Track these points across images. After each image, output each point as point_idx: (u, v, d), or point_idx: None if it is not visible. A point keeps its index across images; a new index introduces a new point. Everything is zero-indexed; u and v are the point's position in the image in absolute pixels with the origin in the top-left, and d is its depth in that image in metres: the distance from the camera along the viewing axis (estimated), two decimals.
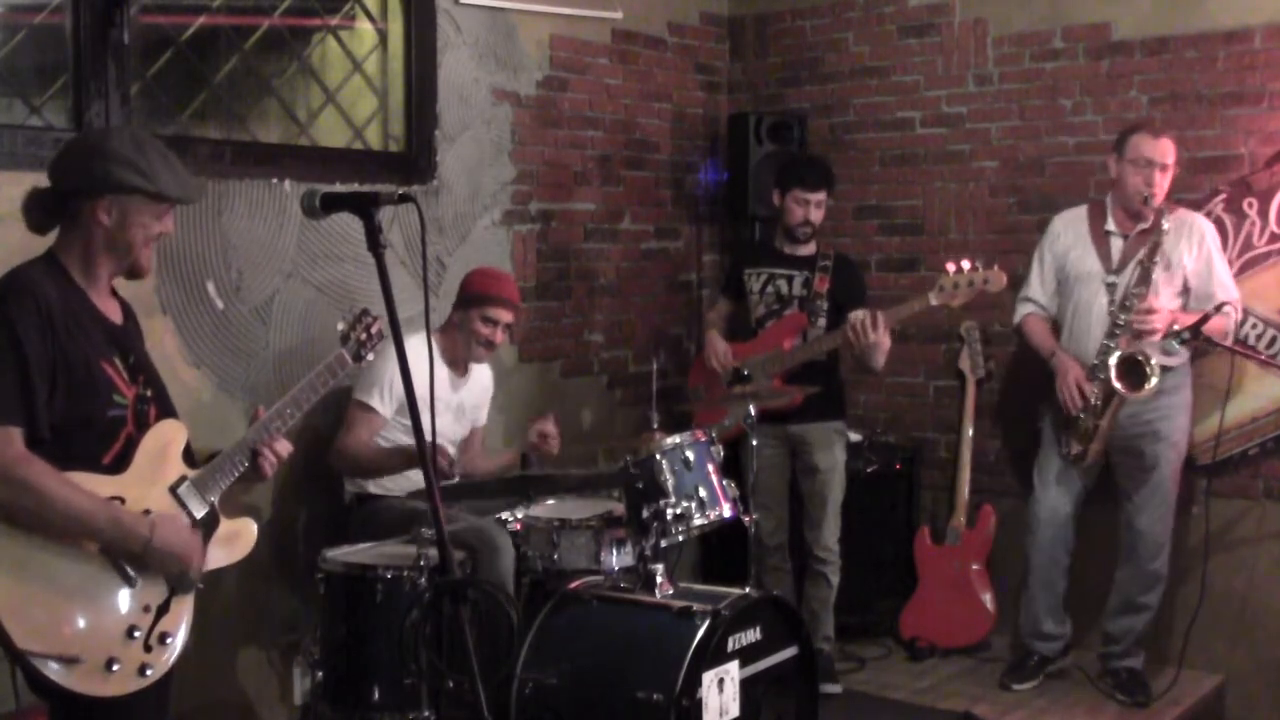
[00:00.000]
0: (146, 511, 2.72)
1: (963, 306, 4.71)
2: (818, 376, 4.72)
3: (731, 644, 3.64)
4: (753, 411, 4.33)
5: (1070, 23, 5.26)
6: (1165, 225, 4.40)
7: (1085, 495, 4.79)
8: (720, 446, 4.09)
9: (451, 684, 3.44)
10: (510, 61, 5.09)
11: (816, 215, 4.88)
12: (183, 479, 2.82)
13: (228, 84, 4.33)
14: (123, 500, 2.69)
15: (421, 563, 3.54)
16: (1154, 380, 4.34)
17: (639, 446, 4.03)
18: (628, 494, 3.92)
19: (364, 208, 2.61)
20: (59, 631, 2.59)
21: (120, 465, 2.73)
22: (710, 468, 3.98)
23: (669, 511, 3.81)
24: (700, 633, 3.54)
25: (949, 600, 5.26)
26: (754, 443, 4.42)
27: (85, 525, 2.63)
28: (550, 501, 4.24)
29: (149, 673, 2.70)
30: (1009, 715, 4.60)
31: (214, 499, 2.88)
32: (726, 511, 3.96)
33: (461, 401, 4.38)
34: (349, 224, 3.69)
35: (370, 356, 3.25)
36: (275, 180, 4.30)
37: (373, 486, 4.23)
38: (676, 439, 3.96)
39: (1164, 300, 4.48)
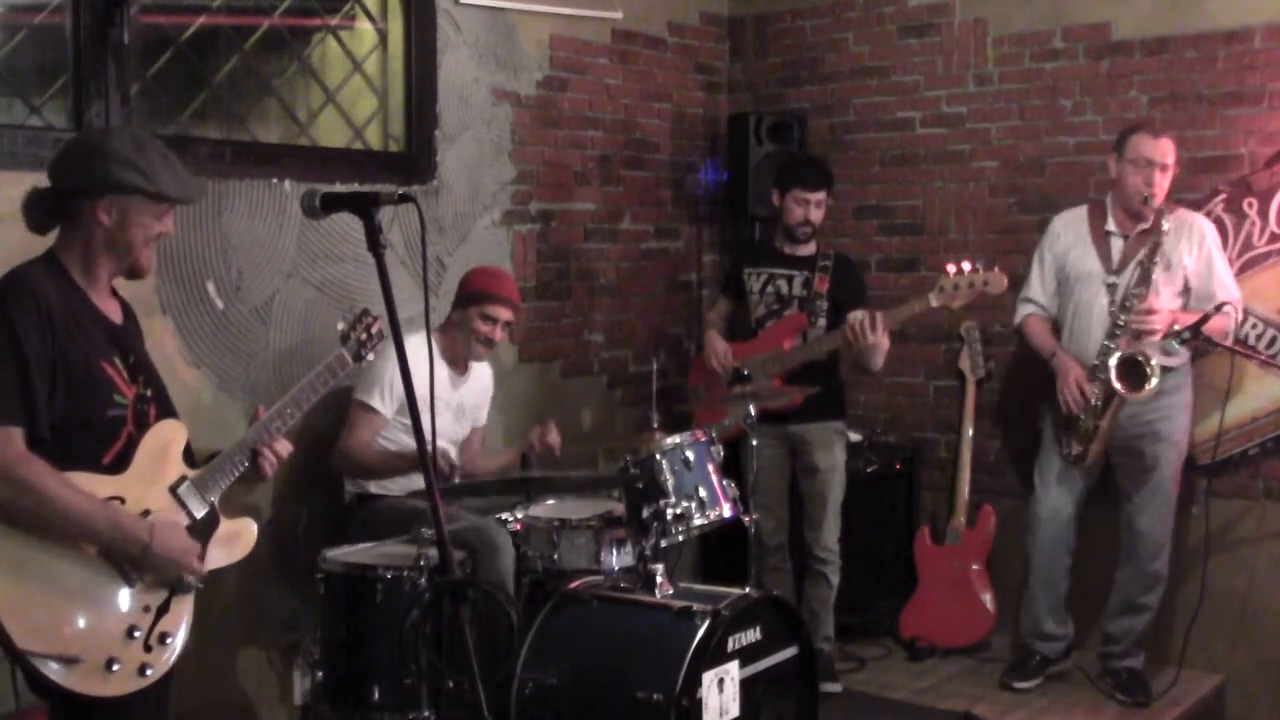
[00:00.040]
0: (146, 512, 2.72)
1: (963, 308, 4.71)
2: (818, 376, 4.72)
3: (731, 644, 3.64)
4: (753, 411, 4.33)
5: (1070, 23, 5.26)
6: (1165, 225, 4.40)
7: (1086, 495, 4.79)
8: (720, 446, 4.09)
9: (451, 684, 3.44)
10: (510, 61, 5.09)
11: (816, 215, 4.88)
12: (183, 479, 2.82)
13: (228, 84, 4.33)
14: (122, 500, 2.69)
15: (421, 563, 3.54)
16: (1154, 381, 4.34)
17: (639, 446, 4.03)
18: (628, 494, 3.92)
19: (364, 208, 2.61)
20: (59, 631, 2.59)
21: (120, 465, 2.73)
22: (710, 468, 3.98)
23: (669, 511, 3.81)
24: (700, 633, 3.55)
25: (949, 600, 5.26)
26: (754, 443, 4.42)
27: (84, 527, 2.63)
28: (550, 501, 4.24)
29: (149, 673, 2.70)
30: (1009, 715, 4.60)
31: (214, 499, 2.88)
32: (726, 511, 3.96)
33: (462, 401, 4.38)
34: (349, 224, 3.69)
35: (370, 356, 3.25)
36: (275, 180, 4.30)
37: (373, 486, 4.23)
38: (676, 439, 3.96)
39: (1164, 300, 4.48)
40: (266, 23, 4.43)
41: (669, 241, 5.85)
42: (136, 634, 2.68)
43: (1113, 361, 4.40)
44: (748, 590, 3.83)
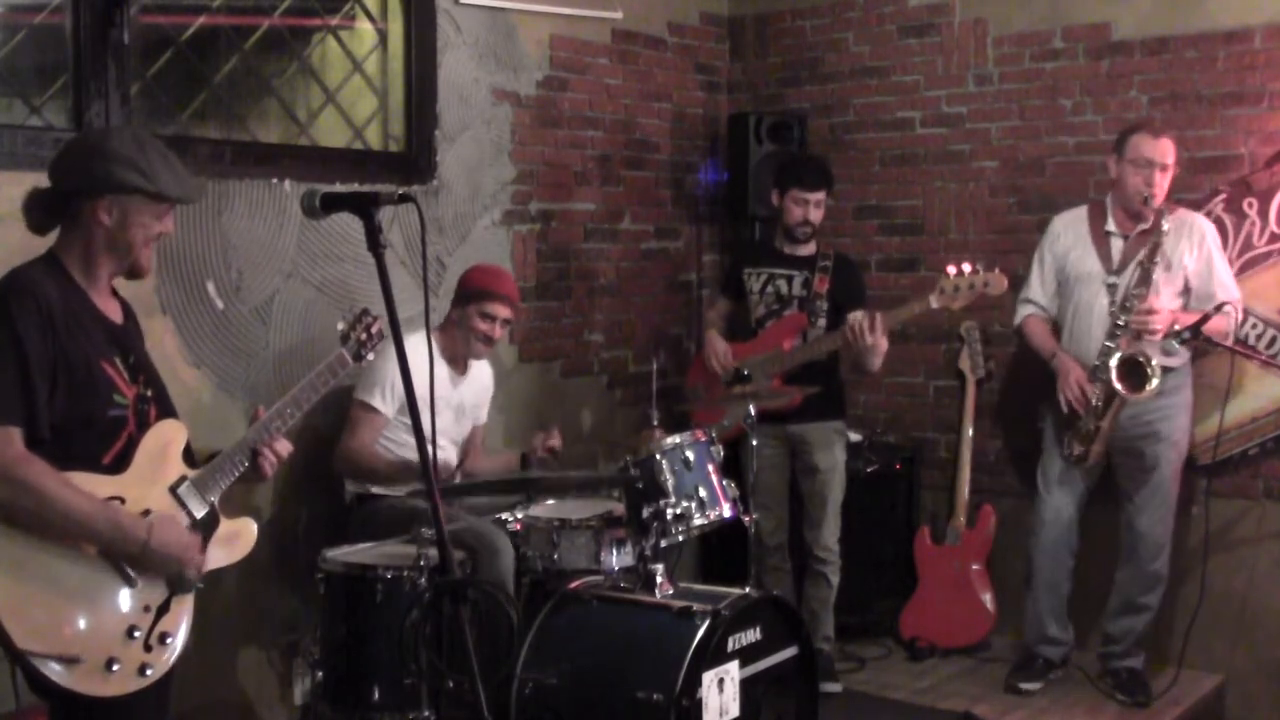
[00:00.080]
0: (146, 512, 2.72)
1: (963, 309, 4.71)
2: (817, 376, 4.72)
3: (731, 644, 3.64)
4: (752, 411, 4.33)
5: (1070, 23, 5.26)
6: (1165, 226, 4.40)
7: (1088, 497, 4.78)
8: (720, 446, 4.09)
9: (451, 684, 3.44)
10: (510, 61, 5.09)
11: (816, 215, 4.88)
12: (183, 479, 2.83)
13: (228, 84, 4.33)
14: (123, 500, 2.69)
15: (421, 563, 3.54)
16: (1155, 382, 4.34)
17: (639, 446, 4.02)
18: (628, 494, 3.92)
19: (364, 208, 2.61)
20: (59, 631, 2.59)
21: (120, 465, 2.73)
22: (710, 468, 3.98)
23: (669, 511, 3.81)
24: (700, 633, 3.55)
25: (949, 600, 5.26)
26: (754, 443, 4.42)
27: (83, 527, 2.63)
28: (550, 501, 4.24)
29: (149, 673, 2.70)
30: (1009, 715, 4.60)
31: (214, 499, 2.88)
32: (726, 511, 3.96)
33: (462, 399, 4.38)
34: (349, 224, 3.69)
35: (370, 356, 3.26)
36: (275, 180, 4.30)
37: (373, 486, 4.22)
38: (676, 439, 3.96)
39: (1165, 300, 4.48)
40: (266, 23, 4.43)
41: (669, 241, 5.85)
42: (136, 634, 2.68)
43: (1113, 362, 4.40)
44: (748, 590, 3.83)
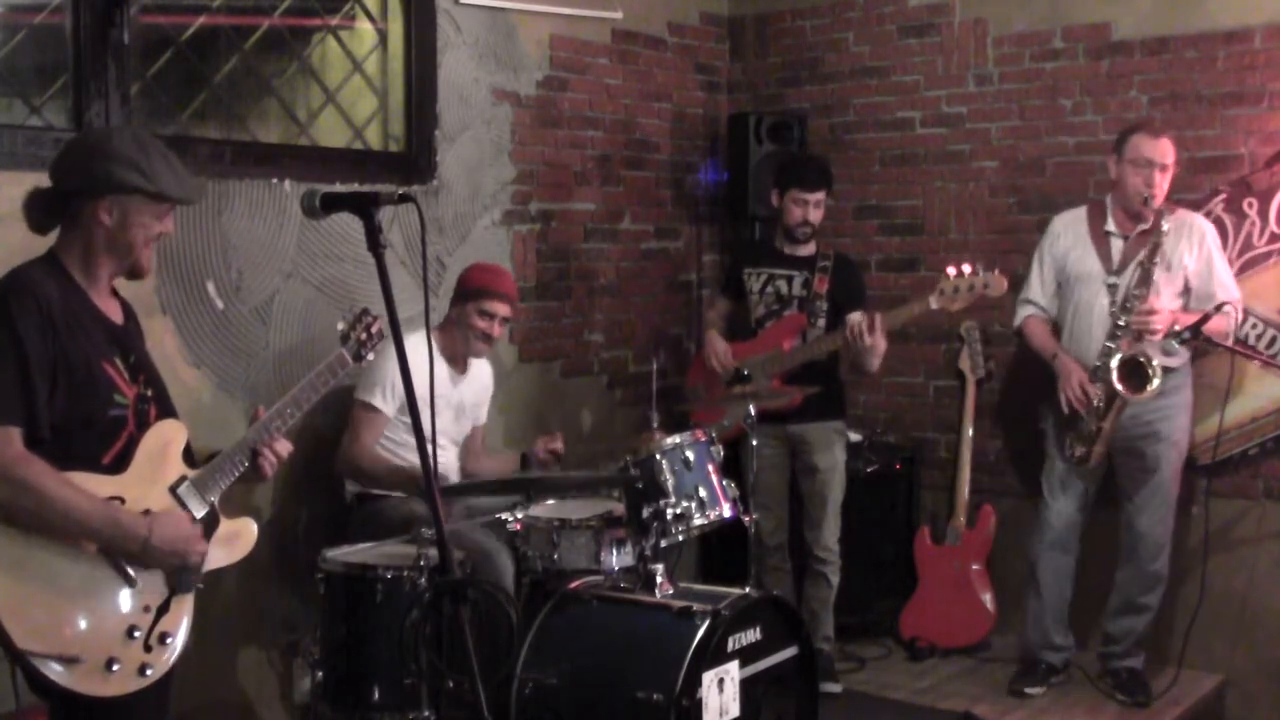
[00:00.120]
0: (146, 511, 2.72)
1: (962, 310, 4.71)
2: (817, 376, 4.72)
3: (731, 644, 3.64)
4: (752, 411, 4.33)
5: (1070, 23, 5.26)
6: (1165, 226, 4.40)
7: (1091, 499, 4.77)
8: (720, 446, 4.09)
9: (451, 684, 3.44)
10: (510, 61, 5.09)
11: (815, 215, 4.88)
12: (183, 479, 2.83)
13: (228, 84, 4.33)
14: (122, 500, 2.70)
15: (421, 563, 3.54)
16: (1156, 382, 4.34)
17: (639, 446, 4.02)
18: (628, 494, 3.92)
19: (364, 208, 2.62)
20: (59, 631, 2.59)
21: (120, 465, 2.73)
22: (710, 468, 3.98)
23: (669, 511, 3.81)
24: (700, 633, 3.54)
25: (949, 600, 5.26)
26: (754, 443, 4.42)
27: (83, 526, 2.63)
28: (550, 501, 4.24)
29: (149, 673, 2.70)
30: (1009, 715, 4.60)
31: (214, 499, 2.88)
32: (726, 511, 3.96)
33: (462, 399, 4.38)
34: (349, 224, 3.69)
35: (370, 356, 3.26)
36: (275, 180, 4.30)
37: (374, 488, 4.22)
38: (676, 439, 3.96)
39: (1165, 301, 4.48)
40: (266, 23, 4.43)
41: (669, 241, 5.85)
42: (136, 634, 2.68)
43: (1114, 363, 4.40)
44: (748, 590, 3.83)
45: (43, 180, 2.78)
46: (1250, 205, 4.85)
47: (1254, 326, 4.81)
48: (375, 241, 2.57)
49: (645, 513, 3.82)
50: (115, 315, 2.84)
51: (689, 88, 5.93)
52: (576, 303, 5.42)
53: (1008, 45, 5.42)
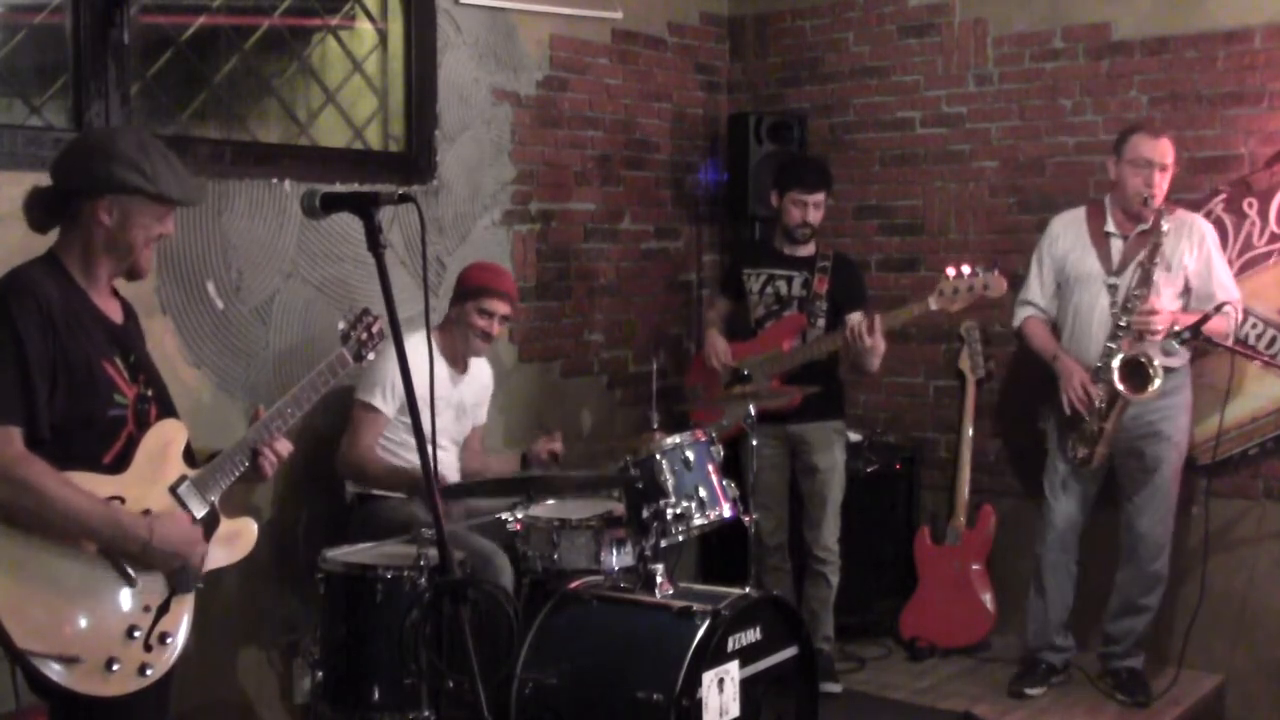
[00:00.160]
0: (146, 511, 2.72)
1: (961, 311, 4.71)
2: (817, 377, 4.72)
3: (731, 644, 3.64)
4: (752, 411, 4.33)
5: (1070, 23, 5.26)
6: (1165, 226, 4.40)
7: (1092, 501, 4.77)
8: (720, 446, 4.09)
9: (451, 684, 3.44)
10: (510, 61, 5.09)
11: (815, 216, 4.88)
12: (183, 478, 2.83)
13: (228, 84, 4.33)
14: (123, 500, 2.69)
15: (421, 563, 3.54)
16: (1157, 382, 4.33)
17: (639, 446, 4.02)
18: (628, 494, 3.92)
19: (364, 208, 2.62)
20: (59, 631, 2.59)
21: (121, 465, 2.73)
22: (710, 468, 3.98)
23: (669, 511, 3.81)
24: (700, 633, 3.55)
25: (949, 600, 5.26)
26: (754, 443, 4.42)
27: (84, 526, 2.63)
28: (550, 501, 4.24)
29: (149, 672, 2.70)
30: (1009, 715, 4.60)
31: (214, 499, 2.88)
32: (726, 511, 3.96)
33: (462, 399, 4.38)
34: (349, 224, 3.69)
35: (371, 356, 3.26)
36: (275, 180, 4.30)
37: (374, 489, 4.22)
38: (676, 439, 3.96)
39: (1165, 301, 4.48)
40: (266, 23, 4.43)
41: (669, 241, 5.85)
42: (137, 634, 2.68)
43: (1116, 363, 4.39)
44: (748, 590, 3.83)
45: (43, 180, 2.78)
46: (1250, 205, 4.85)
47: (1254, 326, 4.81)
48: (375, 241, 2.57)
49: (645, 513, 3.82)
50: (115, 315, 2.84)
51: (689, 88, 5.93)
52: (576, 303, 5.42)
53: (1008, 45, 5.42)
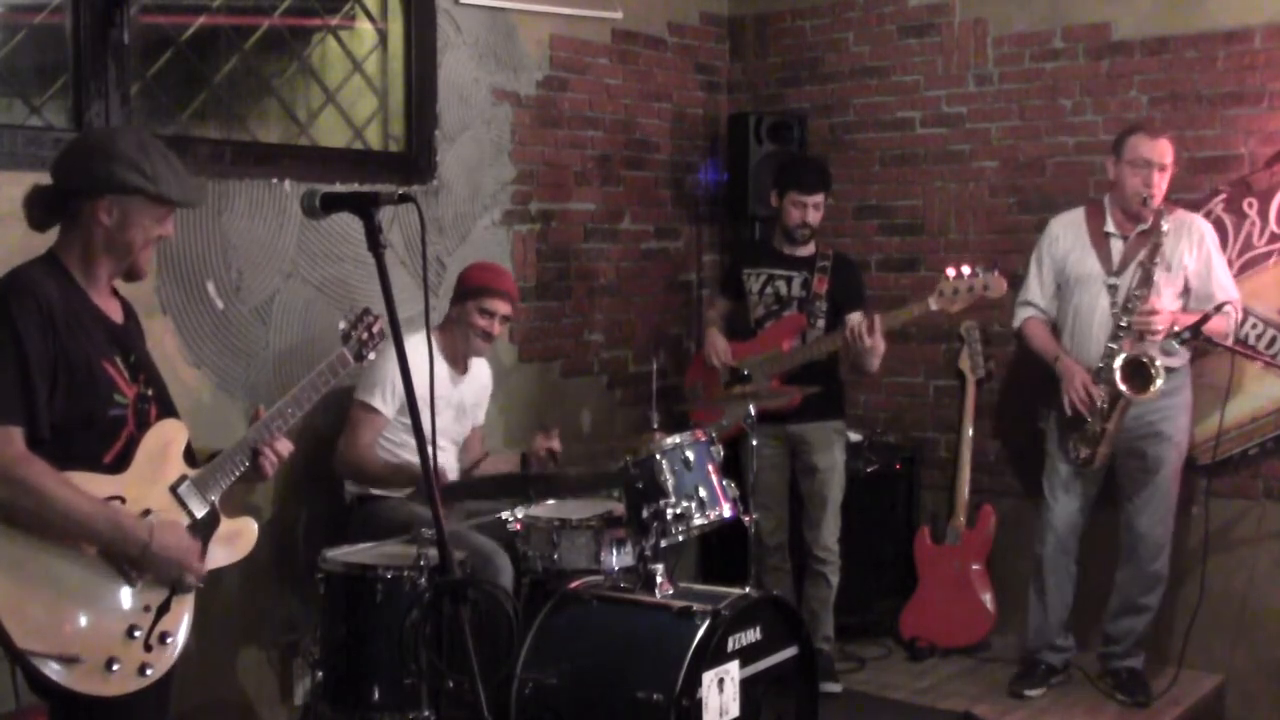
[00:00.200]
0: (147, 511, 2.72)
1: (961, 312, 4.71)
2: (817, 376, 4.72)
3: (731, 644, 3.64)
4: (752, 411, 4.34)
5: (1070, 23, 5.26)
6: (1165, 226, 4.40)
7: (1093, 501, 4.76)
8: (720, 446, 4.09)
9: (451, 684, 3.44)
10: (510, 61, 5.09)
11: (814, 217, 4.88)
12: (183, 478, 2.82)
13: (228, 84, 4.33)
14: (123, 500, 2.69)
15: (421, 563, 3.54)
16: (1159, 382, 4.33)
17: (639, 446, 4.03)
18: (628, 494, 3.92)
19: (364, 208, 2.61)
20: (59, 631, 2.59)
21: (121, 464, 2.72)
22: (710, 468, 3.98)
23: (669, 511, 3.81)
24: (700, 633, 3.55)
25: (949, 600, 5.26)
26: (754, 442, 4.42)
27: (84, 527, 2.62)
28: (550, 501, 4.24)
29: (149, 672, 2.70)
30: (1009, 715, 4.60)
31: (214, 498, 2.88)
32: (726, 511, 3.96)
33: (462, 399, 4.38)
34: (349, 224, 3.69)
35: (371, 356, 3.26)
36: (275, 180, 4.30)
37: (373, 487, 4.22)
38: (676, 439, 3.96)
39: (1166, 301, 4.47)
40: (266, 23, 4.43)
41: (669, 241, 5.85)
42: (137, 633, 2.68)
43: (1117, 363, 4.39)
44: (748, 590, 3.83)
45: (43, 180, 2.78)
46: (1250, 205, 4.85)
47: (1254, 326, 4.81)
48: (375, 241, 2.57)
49: (645, 513, 3.82)
50: (115, 315, 2.84)
51: (689, 88, 5.94)
52: (576, 303, 5.42)
53: (1008, 45, 5.42)
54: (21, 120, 3.81)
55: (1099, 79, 5.21)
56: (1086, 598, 4.89)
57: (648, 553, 3.81)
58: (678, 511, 3.83)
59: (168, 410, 2.87)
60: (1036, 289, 4.79)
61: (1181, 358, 4.53)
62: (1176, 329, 4.34)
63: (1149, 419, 4.56)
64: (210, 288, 4.14)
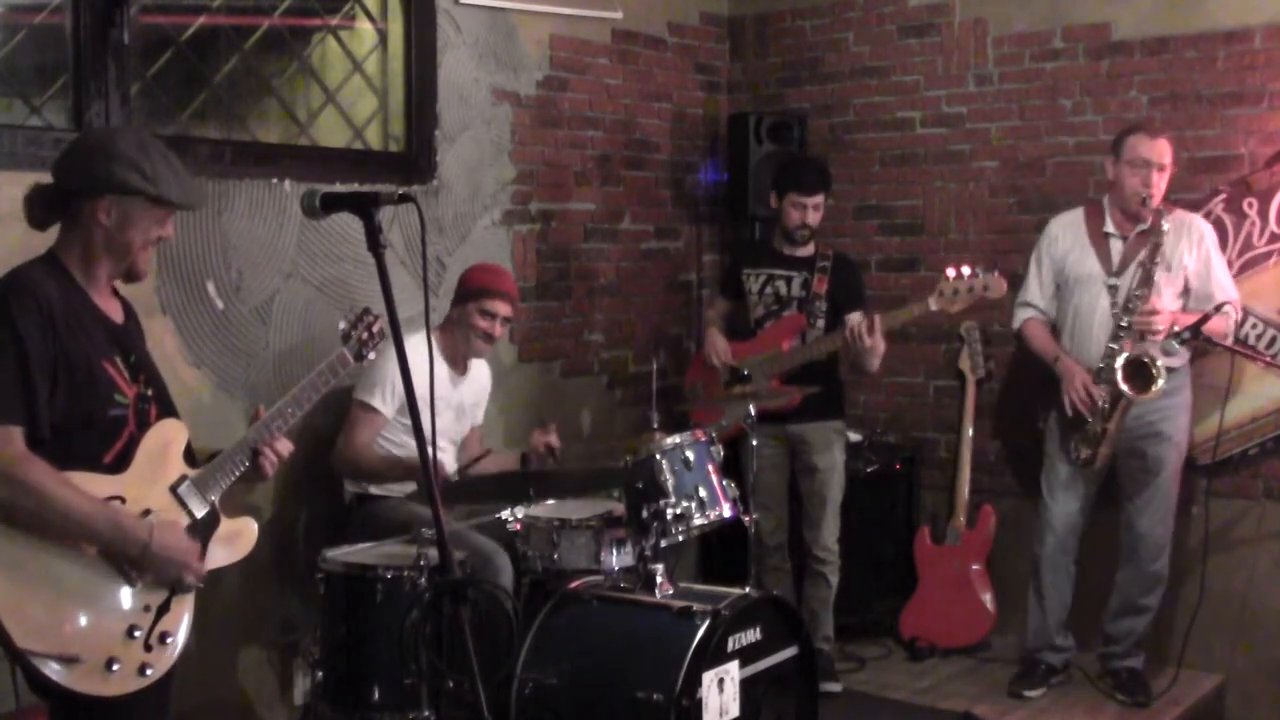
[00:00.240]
0: (147, 511, 2.72)
1: (961, 312, 4.70)
2: (817, 377, 4.72)
3: (731, 644, 3.64)
4: (752, 411, 4.34)
5: (1070, 23, 5.26)
6: (1165, 226, 4.40)
7: (1092, 501, 4.76)
8: (720, 446, 4.09)
9: (451, 684, 3.44)
10: (510, 61, 5.09)
11: (814, 218, 4.88)
12: (183, 478, 2.83)
13: (228, 84, 4.33)
14: (123, 499, 2.69)
15: (421, 563, 3.54)
16: (1161, 382, 4.33)
17: (639, 446, 4.02)
18: (628, 494, 3.92)
19: (364, 208, 2.61)
20: (59, 631, 2.59)
21: (121, 464, 2.73)
22: (710, 468, 3.98)
23: (669, 511, 3.81)
24: (700, 633, 3.54)
25: (949, 600, 5.26)
26: (754, 442, 4.42)
27: (84, 527, 2.62)
28: (550, 501, 4.24)
29: (149, 672, 2.70)
30: (1009, 715, 4.61)
31: (214, 498, 2.88)
32: (726, 511, 3.96)
33: (462, 400, 4.38)
34: (349, 224, 3.69)
35: (371, 356, 3.26)
36: (275, 180, 4.30)
37: (373, 487, 4.22)
38: (676, 439, 3.96)
39: (1166, 301, 4.47)
40: (266, 23, 4.43)
41: (669, 241, 5.85)
42: (137, 633, 2.68)
43: (1119, 363, 4.39)
44: (748, 590, 3.83)
45: (43, 180, 2.78)
46: (1250, 205, 4.85)
47: (1254, 326, 4.81)
48: (375, 241, 2.56)
49: (645, 513, 3.82)
50: (115, 315, 2.84)
51: (689, 88, 5.94)
52: (576, 303, 5.42)
53: (1008, 45, 5.42)
54: (21, 120, 3.81)
55: (1099, 79, 5.21)
56: (1086, 598, 4.89)
57: (648, 553, 3.81)
58: (678, 511, 3.82)
59: (168, 410, 2.87)
60: (1036, 289, 4.79)
61: (1181, 358, 4.53)
62: (1176, 329, 4.34)
63: (1149, 419, 4.56)
64: (210, 288, 4.14)
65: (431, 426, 2.54)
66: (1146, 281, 4.41)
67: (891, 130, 5.74)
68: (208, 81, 4.27)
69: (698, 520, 3.88)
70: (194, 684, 3.59)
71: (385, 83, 4.78)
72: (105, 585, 2.67)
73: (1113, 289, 4.55)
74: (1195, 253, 4.54)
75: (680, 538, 3.88)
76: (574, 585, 3.87)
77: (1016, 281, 4.87)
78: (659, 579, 3.78)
